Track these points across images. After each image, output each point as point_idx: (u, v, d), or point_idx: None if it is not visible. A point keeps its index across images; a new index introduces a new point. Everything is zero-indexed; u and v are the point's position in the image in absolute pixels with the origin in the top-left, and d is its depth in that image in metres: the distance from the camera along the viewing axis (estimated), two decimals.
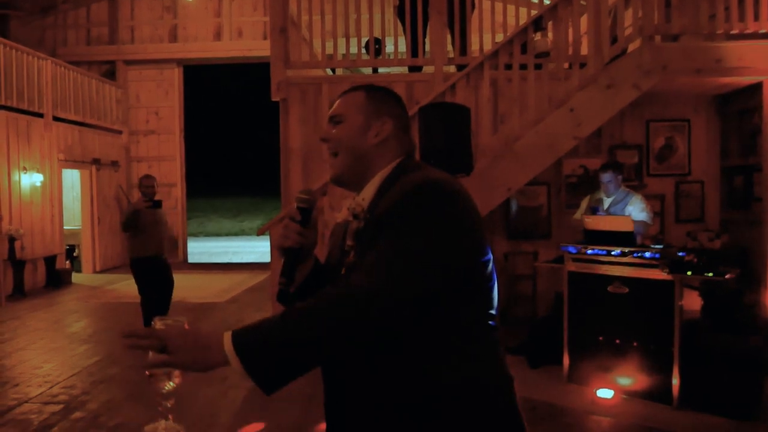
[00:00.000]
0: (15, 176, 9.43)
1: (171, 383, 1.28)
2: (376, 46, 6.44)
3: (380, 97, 1.41)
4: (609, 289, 4.28)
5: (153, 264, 5.86)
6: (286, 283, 1.35)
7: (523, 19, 5.83)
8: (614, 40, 5.35)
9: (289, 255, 1.35)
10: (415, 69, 6.44)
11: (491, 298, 1.30)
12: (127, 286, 9.99)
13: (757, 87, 5.39)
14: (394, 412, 1.23)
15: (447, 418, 1.22)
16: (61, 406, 4.36)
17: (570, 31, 5.56)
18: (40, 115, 10.13)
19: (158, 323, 1.24)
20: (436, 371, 1.22)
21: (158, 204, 5.83)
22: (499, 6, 6.17)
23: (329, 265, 1.44)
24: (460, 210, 1.25)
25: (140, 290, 5.94)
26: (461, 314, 1.26)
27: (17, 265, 9.09)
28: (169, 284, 6.04)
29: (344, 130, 1.39)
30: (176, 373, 1.28)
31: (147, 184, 5.87)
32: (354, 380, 1.28)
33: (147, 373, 1.23)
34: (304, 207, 1.38)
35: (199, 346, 1.15)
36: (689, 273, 4.08)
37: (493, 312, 1.30)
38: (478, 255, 1.27)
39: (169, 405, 1.30)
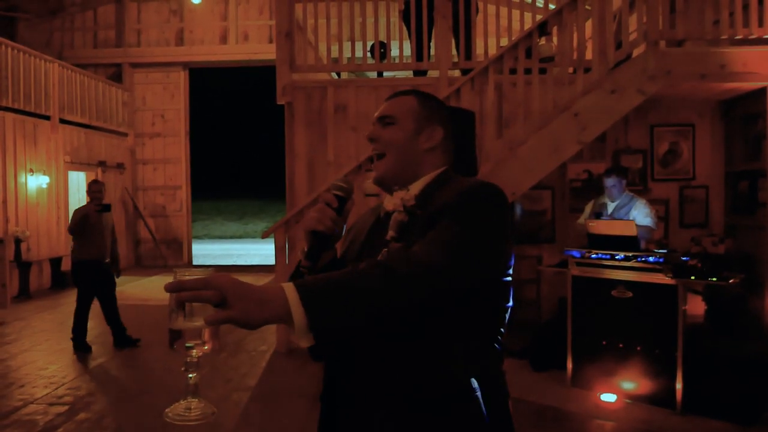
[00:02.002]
0: (21, 178, 9.48)
1: (197, 352, 1.07)
2: (381, 50, 6.47)
3: (431, 103, 1.43)
4: (613, 293, 4.28)
5: (95, 267, 5.94)
6: (310, 267, 1.33)
7: (528, 24, 5.86)
8: (619, 45, 5.36)
9: (317, 240, 1.33)
10: (419, 73, 6.47)
11: (504, 319, 1.33)
12: (132, 288, 10.03)
13: (761, 92, 5.39)
14: (398, 404, 1.22)
15: (450, 416, 1.22)
16: (66, 407, 4.39)
17: (575, 36, 5.58)
18: (47, 118, 10.20)
19: (178, 274, 1.05)
20: (449, 369, 1.23)
21: (107, 208, 5.99)
22: (504, 10, 6.18)
23: (347, 258, 1.42)
24: (508, 218, 1.30)
25: (79, 293, 6.01)
26: (483, 319, 1.28)
27: (23, 266, 9.14)
28: (111, 288, 6.09)
29: (396, 132, 1.38)
30: (206, 336, 1.06)
31: (95, 189, 6.04)
32: (361, 369, 1.27)
33: (172, 338, 1.02)
34: (340, 195, 1.36)
35: (257, 296, 1.01)
36: (693, 278, 4.09)
37: (502, 331, 1.33)
38: (509, 266, 1.31)
39: (196, 378, 1.08)
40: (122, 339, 6.01)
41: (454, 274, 1.14)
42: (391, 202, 1.35)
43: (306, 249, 1.34)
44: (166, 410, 1.06)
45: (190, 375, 1.08)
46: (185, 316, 1.03)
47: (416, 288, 1.10)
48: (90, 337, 6.53)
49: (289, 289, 1.02)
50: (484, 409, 1.25)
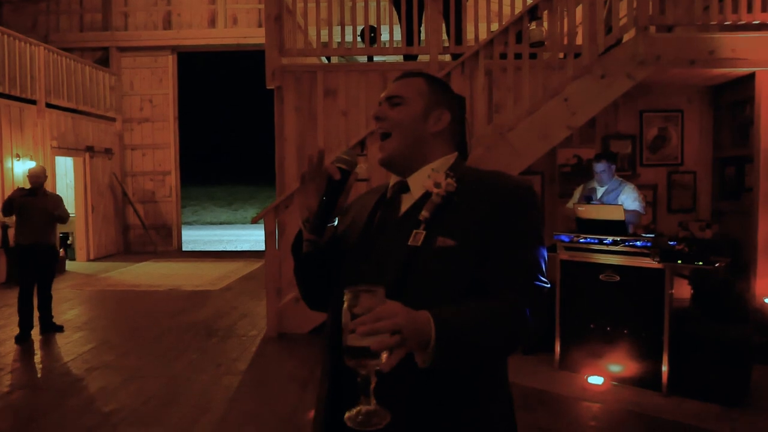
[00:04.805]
0: (8, 163, 9.38)
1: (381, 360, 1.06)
2: (371, 35, 6.43)
3: (440, 87, 1.42)
4: (601, 277, 4.32)
5: (29, 251, 5.95)
6: (314, 241, 1.32)
7: (519, 9, 5.85)
8: (609, 30, 5.36)
9: (330, 190, 1.31)
10: (410, 58, 6.44)
11: None
12: (121, 274, 9.99)
13: (749, 78, 5.42)
14: (409, 376, 1.19)
15: (479, 411, 1.25)
16: (56, 392, 4.38)
17: (565, 20, 5.57)
18: (33, 102, 10.07)
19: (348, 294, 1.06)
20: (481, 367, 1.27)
21: (32, 193, 6.03)
22: None
23: (348, 237, 1.40)
24: None
25: (19, 275, 6.05)
26: None
27: (10, 252, 9.06)
28: (48, 272, 6.08)
29: (404, 112, 1.37)
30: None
31: (31, 173, 6.10)
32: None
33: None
34: (344, 168, 1.32)
35: (415, 328, 1.07)
36: (680, 262, 4.13)
37: None
38: None
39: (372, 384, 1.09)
40: (47, 326, 6.06)
41: (542, 295, 1.27)
42: (428, 183, 1.32)
43: (316, 210, 1.31)
44: (347, 415, 1.07)
45: (372, 379, 1.08)
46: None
47: (518, 337, 1.22)
48: (79, 322, 6.52)
49: (431, 324, 1.09)
50: (504, 403, 1.31)
